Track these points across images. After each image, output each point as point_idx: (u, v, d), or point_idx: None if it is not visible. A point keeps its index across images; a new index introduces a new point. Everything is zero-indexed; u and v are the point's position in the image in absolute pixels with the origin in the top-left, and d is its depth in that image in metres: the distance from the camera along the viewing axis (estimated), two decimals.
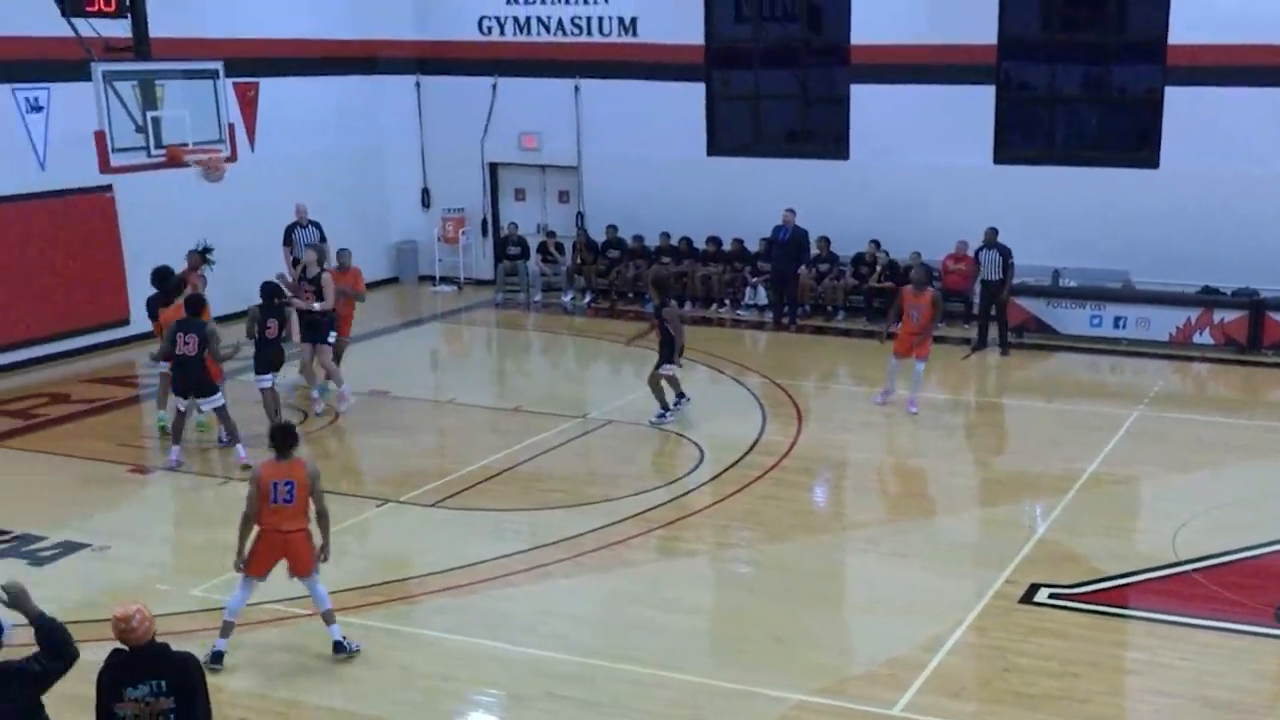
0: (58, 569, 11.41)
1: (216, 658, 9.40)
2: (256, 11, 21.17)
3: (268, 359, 14.76)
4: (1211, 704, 8.98)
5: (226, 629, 9.56)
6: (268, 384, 14.81)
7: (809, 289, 21.39)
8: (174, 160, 15.42)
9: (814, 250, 21.34)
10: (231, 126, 16.39)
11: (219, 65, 16.14)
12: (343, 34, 23.04)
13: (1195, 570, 11.20)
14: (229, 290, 18.54)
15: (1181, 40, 19.34)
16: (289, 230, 20.28)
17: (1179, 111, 19.54)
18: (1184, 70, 19.40)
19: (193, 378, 13.84)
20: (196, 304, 14.09)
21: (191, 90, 15.70)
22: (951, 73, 20.58)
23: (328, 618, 9.67)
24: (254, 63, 20.68)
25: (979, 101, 20.60)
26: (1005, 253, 18.77)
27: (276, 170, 21.07)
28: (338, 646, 9.65)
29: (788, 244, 20.87)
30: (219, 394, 14.05)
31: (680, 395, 15.58)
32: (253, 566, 9.52)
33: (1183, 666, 9.52)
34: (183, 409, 14.19)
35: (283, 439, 9.57)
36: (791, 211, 20.77)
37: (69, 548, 11.86)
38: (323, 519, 9.61)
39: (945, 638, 9.93)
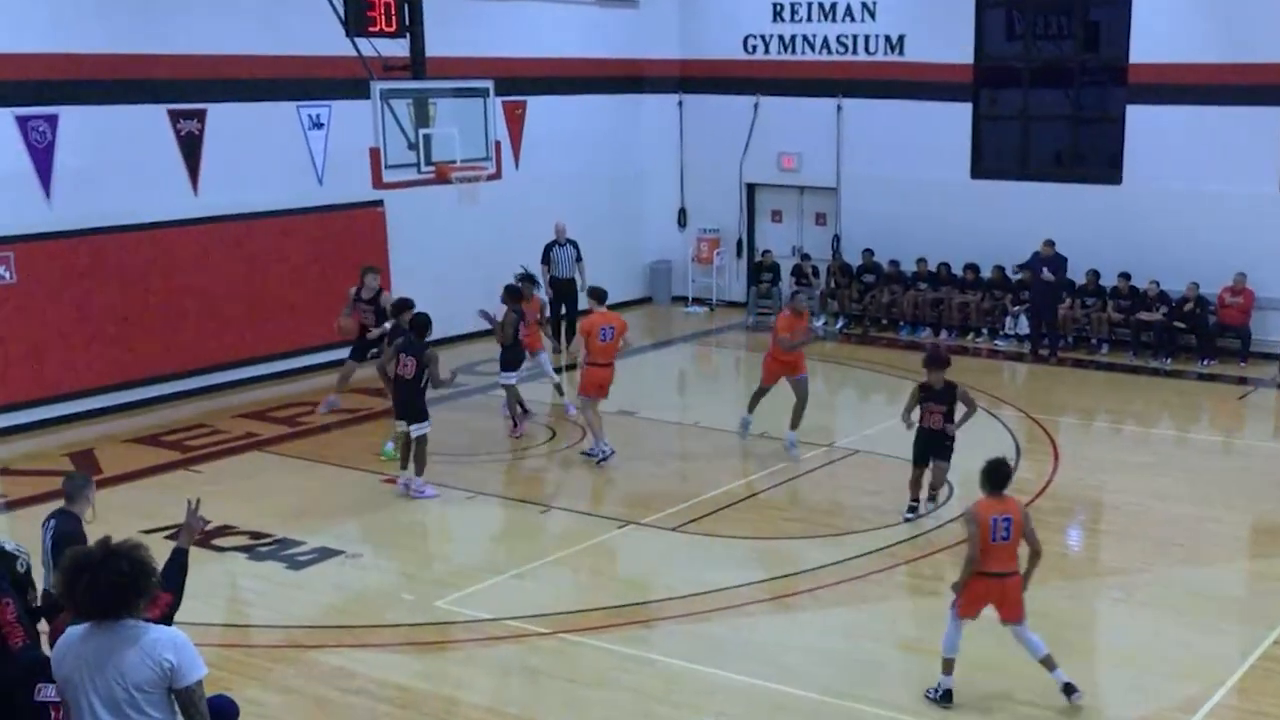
0: (314, 574, 11.77)
1: (947, 696, 9.31)
2: (527, 31, 21.63)
3: (516, 358, 16.06)
4: None
5: (947, 666, 9.38)
6: (512, 380, 16.03)
7: (1071, 320, 20.62)
8: (441, 177, 15.64)
9: (1082, 280, 20.60)
10: (498, 144, 16.57)
11: (489, 84, 16.37)
12: (609, 53, 23.33)
13: None
14: (490, 304, 18.10)
15: None
16: (547, 249, 20.66)
17: None
18: None
19: (406, 401, 13.65)
20: (422, 324, 13.83)
21: (462, 108, 15.91)
22: (1238, 93, 19.49)
23: (1048, 663, 9.25)
24: (523, 82, 21.14)
25: (1267, 123, 19.40)
26: None
27: (538, 187, 21.50)
28: (1068, 688, 9.21)
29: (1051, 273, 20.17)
30: (428, 421, 13.74)
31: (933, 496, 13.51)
32: (964, 607, 9.26)
33: None
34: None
35: (997, 475, 9.29)
36: (1050, 244, 20.06)
37: (324, 553, 12.18)
38: (1036, 557, 9.27)
39: (1203, 699, 9.36)
